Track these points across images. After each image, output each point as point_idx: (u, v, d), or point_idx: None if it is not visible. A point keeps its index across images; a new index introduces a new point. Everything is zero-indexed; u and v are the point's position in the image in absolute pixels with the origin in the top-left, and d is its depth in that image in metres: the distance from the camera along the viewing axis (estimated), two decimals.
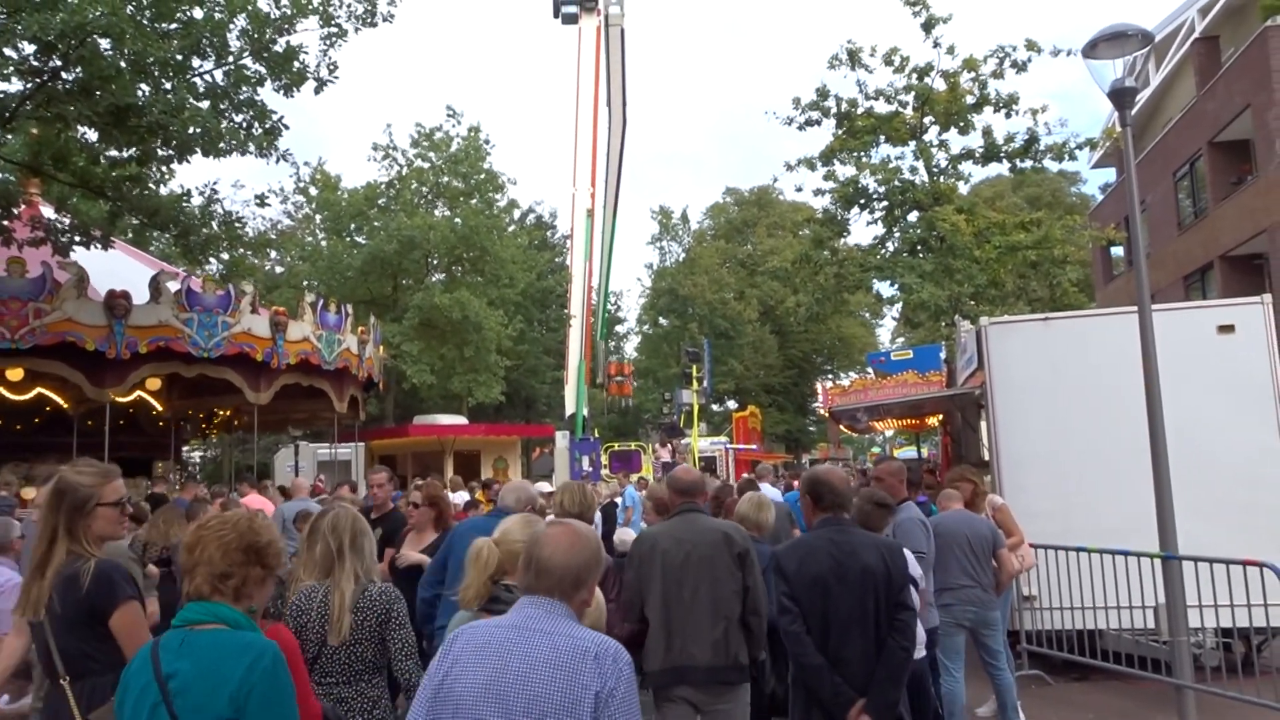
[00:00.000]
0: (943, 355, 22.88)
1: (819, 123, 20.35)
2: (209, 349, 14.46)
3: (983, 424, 11.73)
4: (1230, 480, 8.55)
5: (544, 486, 11.86)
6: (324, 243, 34.07)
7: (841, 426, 25.16)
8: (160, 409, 19.10)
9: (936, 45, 19.03)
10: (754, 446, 42.90)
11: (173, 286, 14.39)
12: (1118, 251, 33.27)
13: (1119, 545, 7.71)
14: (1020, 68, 18.84)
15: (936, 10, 18.88)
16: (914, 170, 20.04)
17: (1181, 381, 8.19)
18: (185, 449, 23.19)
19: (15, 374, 14.17)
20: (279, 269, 36.17)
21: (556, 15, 40.96)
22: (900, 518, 6.07)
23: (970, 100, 19.15)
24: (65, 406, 16.42)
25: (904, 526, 6.10)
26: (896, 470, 6.64)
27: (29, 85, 10.53)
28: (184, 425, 21.17)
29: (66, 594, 3.17)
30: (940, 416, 16.88)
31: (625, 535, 9.58)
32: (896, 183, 19.73)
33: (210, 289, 14.63)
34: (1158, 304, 7.94)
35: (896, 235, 20.24)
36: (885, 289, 21.57)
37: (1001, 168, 20.56)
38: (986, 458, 10.78)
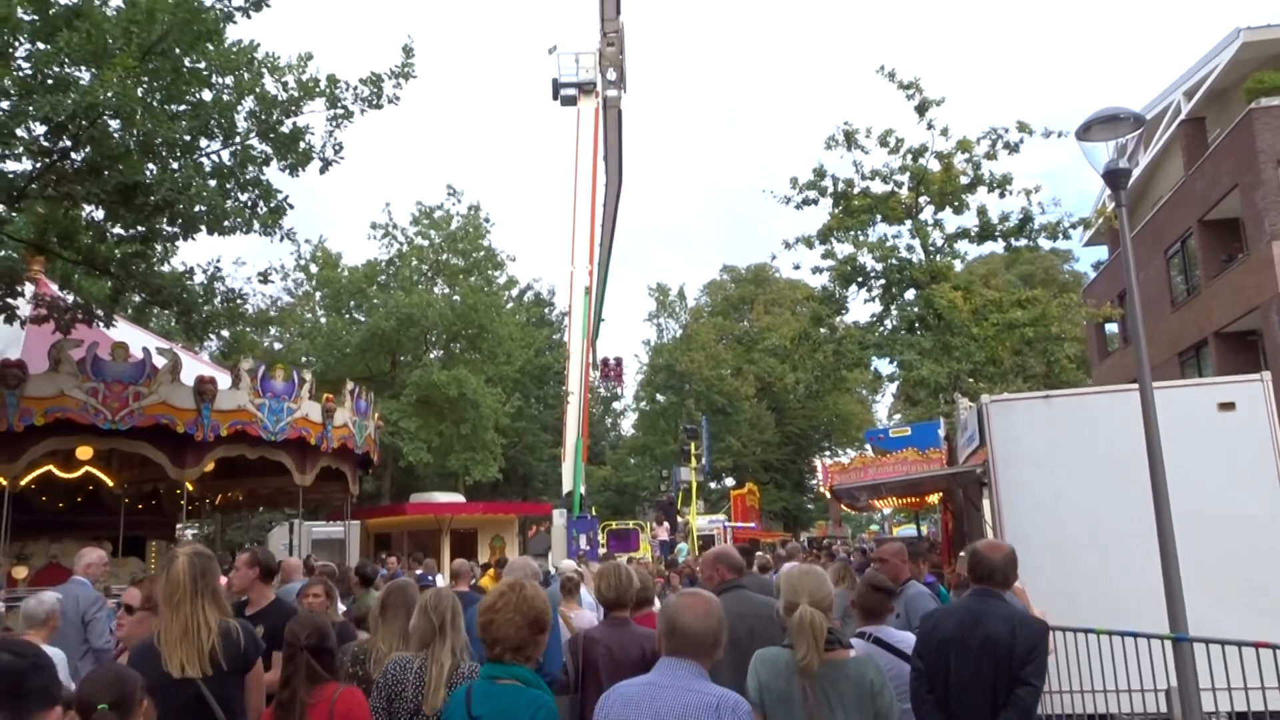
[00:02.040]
0: (942, 432, 22.84)
1: (816, 202, 20.66)
2: (276, 433, 15.00)
3: (986, 502, 11.66)
4: (1238, 558, 8.47)
5: (568, 564, 11.77)
6: (323, 319, 34.22)
7: (842, 504, 24.98)
8: (113, 484, 18.66)
9: (930, 127, 19.44)
10: (752, 524, 42.55)
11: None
12: (1112, 328, 33.48)
13: (1127, 626, 7.58)
14: (1012, 149, 19.21)
15: (930, 94, 19.34)
16: (910, 249, 20.30)
17: (1185, 459, 8.16)
18: (180, 526, 22.94)
19: (85, 452, 14.47)
20: (278, 345, 36.27)
21: (555, 97, 41.87)
22: (909, 593, 5.99)
23: (964, 180, 19.48)
24: (111, 486, 16.67)
25: (915, 601, 6.01)
26: (898, 551, 6.57)
27: (38, 165, 10.67)
28: (154, 502, 20.67)
29: (226, 648, 3.83)
30: (941, 495, 16.78)
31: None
32: (894, 261, 19.95)
33: (277, 375, 15.43)
34: (1156, 381, 7.96)
35: (894, 313, 20.39)
36: (884, 366, 21.64)
37: (996, 246, 20.82)
38: (989, 535, 10.68)
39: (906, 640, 4.65)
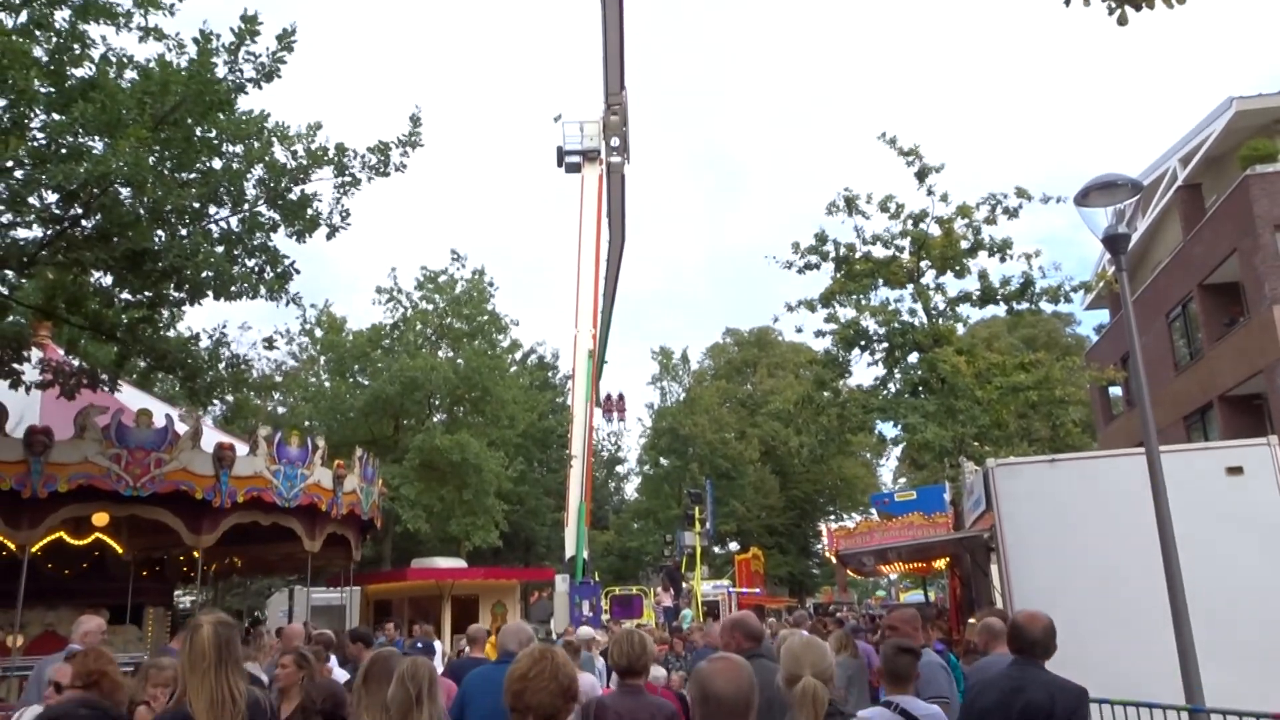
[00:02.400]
0: (947, 496, 22.71)
1: (818, 266, 20.81)
2: (290, 499, 15.10)
3: (994, 567, 11.54)
4: (1250, 625, 8.35)
5: (587, 631, 11.65)
6: (327, 383, 34.25)
7: (848, 570, 24.71)
8: (122, 550, 18.56)
9: (930, 193, 19.66)
10: (757, 590, 42.07)
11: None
12: (1116, 391, 33.46)
13: (1141, 696, 7.43)
14: (1011, 214, 19.40)
15: (929, 160, 19.62)
16: (913, 312, 20.38)
17: (1194, 524, 8.09)
18: (178, 593, 22.70)
19: (101, 519, 14.43)
20: (280, 409, 36.24)
21: (560, 165, 42.58)
22: (919, 661, 5.88)
23: (965, 245, 19.64)
24: (120, 553, 16.72)
25: (925, 671, 5.90)
26: (911, 618, 6.48)
27: (49, 232, 10.79)
28: (158, 569, 20.54)
29: (255, 715, 3.97)
30: (948, 560, 16.61)
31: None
32: (896, 324, 20.02)
33: (292, 441, 15.56)
34: (1162, 445, 7.93)
35: (898, 376, 20.39)
36: (888, 429, 21.56)
37: (998, 309, 20.90)
38: (998, 602, 10.55)
39: (934, 714, 4.56)
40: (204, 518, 14.41)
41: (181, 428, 14.08)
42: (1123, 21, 6.04)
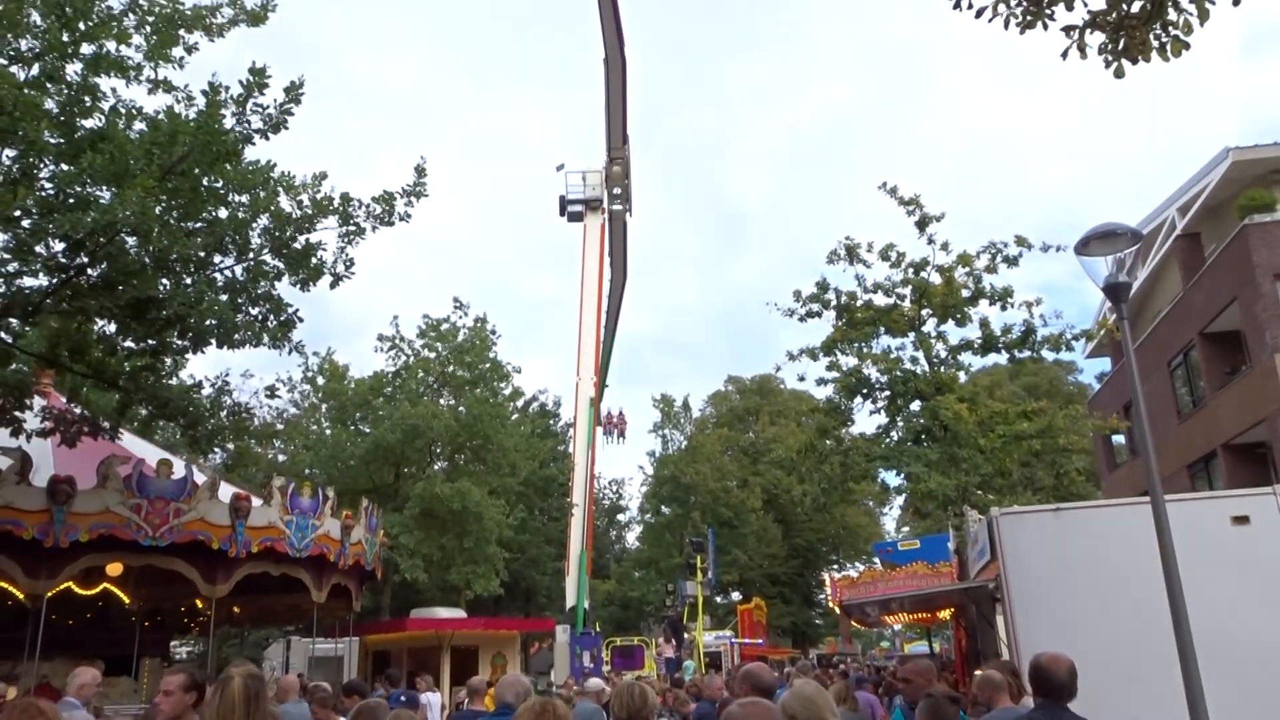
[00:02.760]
0: (951, 545, 22.51)
1: (819, 314, 20.88)
2: (301, 549, 15.26)
3: (999, 618, 11.41)
4: (1258, 675, 8.23)
5: (596, 683, 11.51)
6: (328, 431, 34.19)
7: (852, 620, 24.45)
8: (129, 601, 18.47)
9: (931, 242, 19.80)
10: (759, 641, 41.59)
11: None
12: (1119, 439, 33.35)
13: None
14: (1012, 262, 19.51)
15: (930, 209, 19.78)
16: (914, 361, 20.40)
17: (1199, 573, 8.01)
18: (173, 644, 22.46)
19: (115, 569, 14.56)
20: (281, 457, 36.16)
21: (563, 214, 42.93)
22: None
23: (966, 294, 19.71)
24: (126, 604, 16.76)
25: None
26: (925, 670, 6.41)
27: (54, 280, 10.85)
28: (159, 619, 20.43)
29: None
30: (953, 610, 16.44)
31: None
32: (898, 373, 20.02)
33: (304, 492, 15.80)
34: (1166, 493, 7.88)
35: (900, 424, 20.35)
36: (891, 478, 21.47)
37: (1000, 358, 20.92)
38: (1004, 653, 10.42)
39: None
40: (219, 568, 14.52)
41: (201, 478, 14.22)
42: (1119, 74, 6.13)
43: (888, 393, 20.46)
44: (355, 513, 18.07)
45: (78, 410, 12.86)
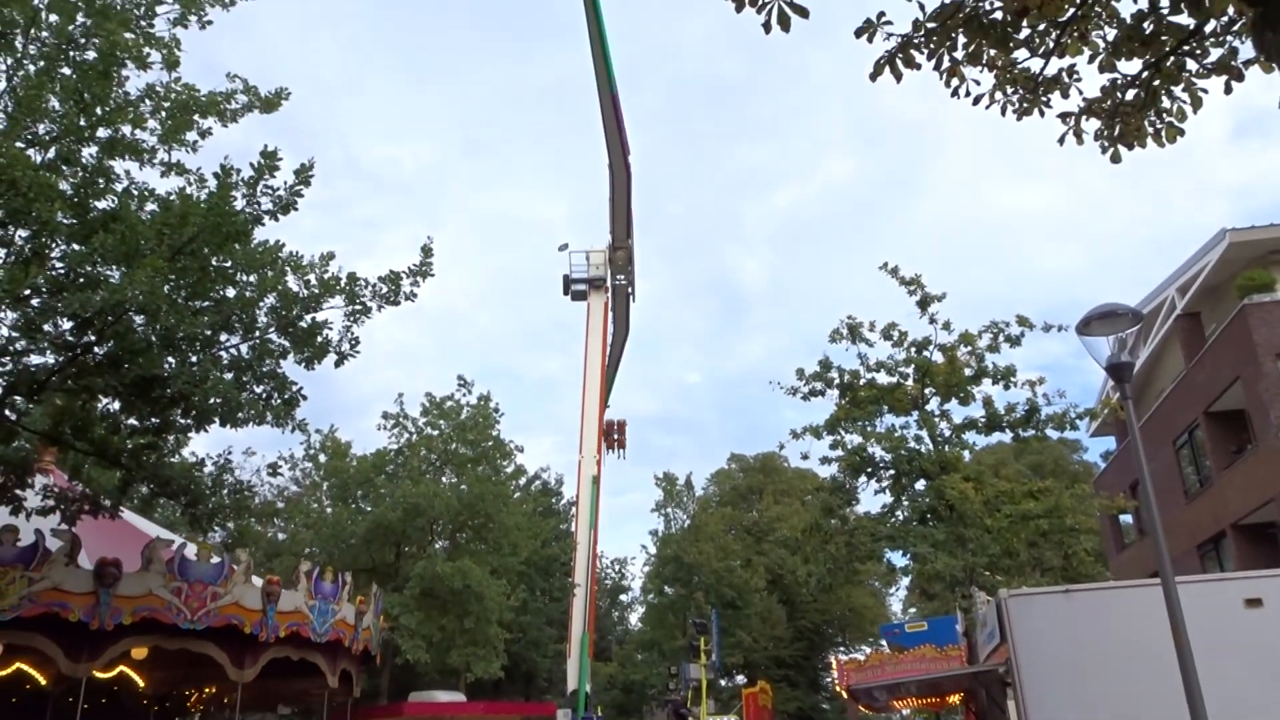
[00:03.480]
0: (960, 628, 22.15)
1: (823, 393, 20.85)
2: (321, 634, 15.29)
3: (1010, 702, 11.18)
4: None
5: None
6: (329, 510, 33.97)
7: (859, 705, 23.92)
8: (143, 685, 18.29)
9: (933, 321, 19.89)
10: None
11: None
12: (1127, 519, 33.03)
13: None
14: (1014, 342, 19.56)
15: (931, 289, 19.93)
16: (919, 439, 20.32)
17: (1213, 657, 7.88)
18: None
19: (140, 652, 14.50)
20: (281, 535, 35.86)
21: (566, 293, 43.31)
22: None
23: (969, 372, 19.73)
24: (141, 687, 16.90)
25: None
26: None
27: (60, 358, 10.90)
28: (166, 704, 20.15)
29: None
30: (963, 695, 16.10)
31: None
32: (903, 451, 19.93)
33: (326, 576, 15.72)
34: (1177, 575, 7.78)
35: (905, 504, 20.17)
36: (897, 558, 21.20)
37: (1004, 436, 20.83)
38: None
39: None
40: (248, 652, 14.56)
41: (237, 562, 14.39)
42: (1116, 159, 6.24)
43: (892, 471, 20.32)
44: (366, 597, 18.16)
45: (79, 488, 12.82)
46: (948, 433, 20.45)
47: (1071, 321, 20.20)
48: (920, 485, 20.11)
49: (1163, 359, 29.42)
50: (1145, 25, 5.62)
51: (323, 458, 35.20)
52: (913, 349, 20.30)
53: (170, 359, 11.27)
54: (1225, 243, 23.38)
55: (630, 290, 43.22)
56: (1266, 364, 20.83)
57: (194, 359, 11.53)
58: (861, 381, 20.71)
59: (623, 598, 61.06)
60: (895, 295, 21.15)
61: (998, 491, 19.27)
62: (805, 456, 21.48)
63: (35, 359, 11.05)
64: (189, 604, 13.38)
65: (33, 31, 10.74)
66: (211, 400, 11.30)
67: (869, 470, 20.55)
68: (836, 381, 20.79)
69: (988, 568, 18.49)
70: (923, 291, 19.90)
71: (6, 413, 11.36)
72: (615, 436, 48.24)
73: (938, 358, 19.99)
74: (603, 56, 37.44)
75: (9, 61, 10.70)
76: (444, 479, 33.57)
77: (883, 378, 20.67)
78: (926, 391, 20.34)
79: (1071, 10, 5.55)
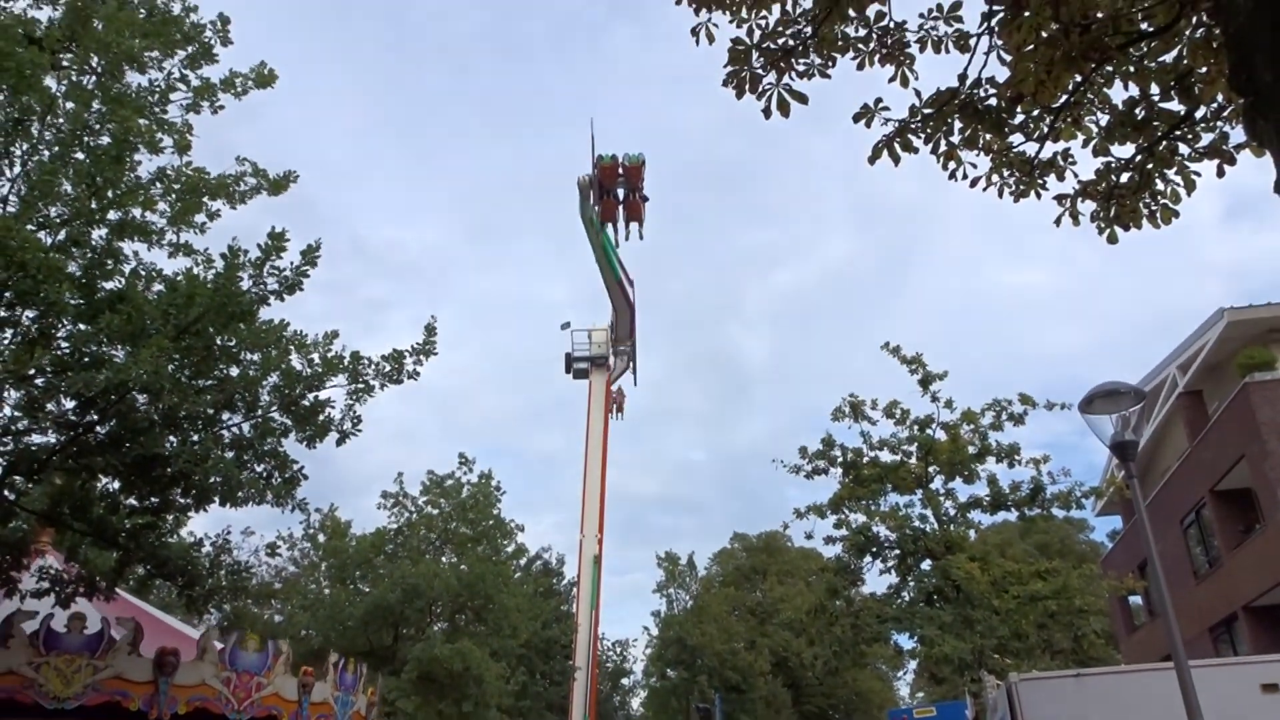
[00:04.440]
0: (969, 713, 21.64)
1: (826, 471, 20.80)
2: None
3: None
4: None
5: None
6: (327, 590, 33.50)
7: None
8: None
9: (935, 399, 19.93)
10: None
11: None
12: (1136, 600, 32.54)
13: None
14: (1017, 420, 19.56)
15: (933, 368, 20.01)
16: (923, 518, 20.19)
17: None
18: None
19: None
20: (278, 618, 35.32)
21: (568, 371, 43.40)
22: None
23: (972, 450, 19.69)
24: None
25: None
26: None
27: (62, 438, 10.89)
28: None
29: None
30: None
31: None
32: (908, 530, 19.79)
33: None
34: (1190, 659, 7.64)
35: (911, 584, 19.95)
36: (904, 640, 20.86)
37: (1009, 515, 20.70)
38: None
39: None
40: None
41: (279, 653, 14.33)
42: (1112, 240, 6.32)
43: (897, 551, 20.15)
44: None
45: (74, 569, 12.68)
46: (952, 512, 20.34)
47: (1073, 399, 20.32)
48: (926, 565, 19.93)
49: (1166, 437, 29.32)
50: (1137, 111, 5.75)
51: (321, 537, 34.86)
52: (915, 427, 20.31)
53: (172, 438, 11.26)
54: (1224, 321, 23.50)
55: (634, 379, 43.68)
56: (1271, 442, 20.75)
57: (195, 438, 11.52)
58: (865, 460, 20.67)
59: (624, 681, 59.76)
60: (897, 373, 21.26)
61: (1004, 572, 19.06)
62: (809, 536, 21.34)
63: (36, 438, 11.05)
64: (236, 694, 13.40)
65: (49, 118, 10.98)
66: (212, 479, 11.26)
67: (874, 550, 20.39)
68: (840, 460, 20.76)
69: (996, 650, 18.18)
70: (924, 370, 20.00)
71: (5, 493, 11.30)
72: (615, 401, 48.08)
73: (941, 436, 19.98)
74: (609, 264, 38.13)
75: (24, 147, 10.91)
76: (444, 559, 33.21)
77: (886, 456, 20.64)
78: (930, 470, 20.27)
79: (1065, 97, 5.68)
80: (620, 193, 37.33)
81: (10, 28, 10.82)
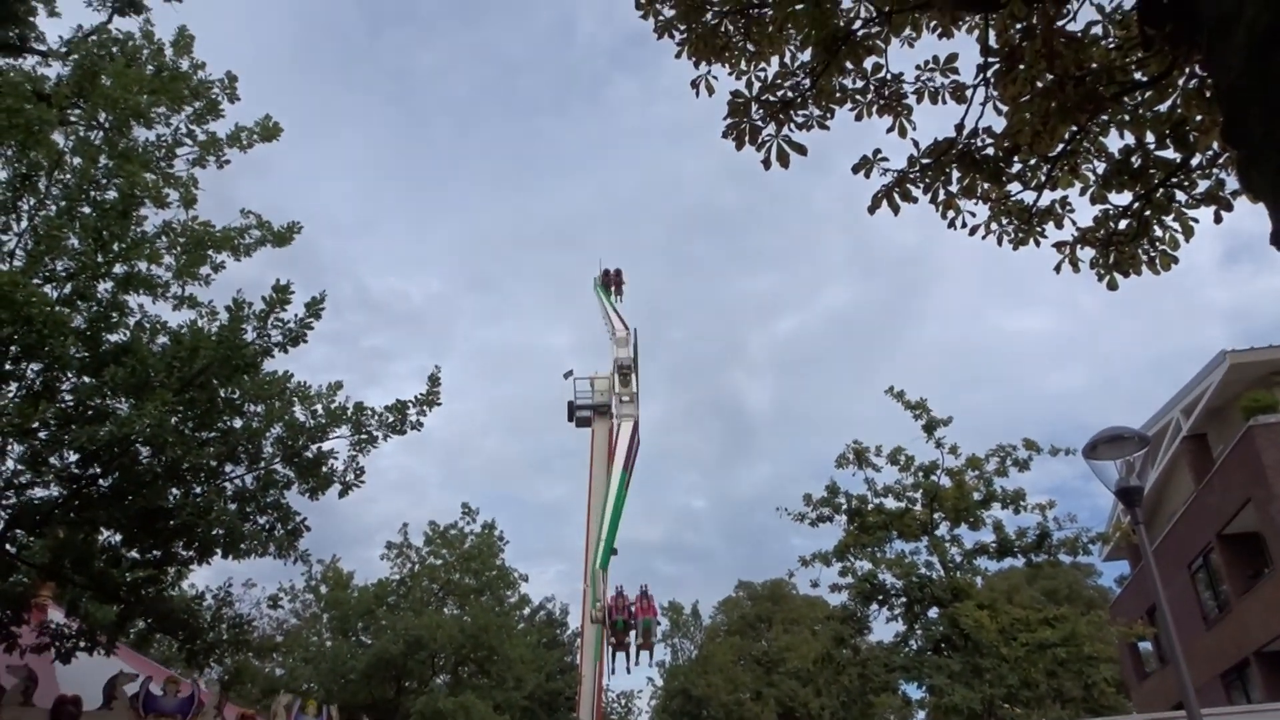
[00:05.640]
0: None
1: (830, 519, 20.67)
2: None
3: None
4: None
5: None
6: (329, 643, 33.19)
7: None
8: None
9: (939, 445, 19.85)
10: None
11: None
12: (1146, 646, 32.13)
13: None
14: (1022, 466, 19.48)
15: (937, 413, 19.97)
16: (929, 565, 20.02)
17: None
18: None
19: None
20: (279, 671, 34.93)
21: (571, 419, 43.28)
22: None
23: (977, 496, 19.58)
24: None
25: None
26: None
27: (65, 492, 10.87)
28: None
29: None
30: None
31: None
32: (914, 578, 19.61)
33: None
34: (1203, 707, 7.53)
35: (919, 632, 19.72)
36: (913, 690, 20.58)
37: (1016, 561, 20.51)
38: None
39: None
40: None
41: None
42: (1113, 286, 6.34)
43: (904, 599, 19.94)
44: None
45: (75, 624, 12.57)
46: (959, 558, 20.17)
47: (1077, 443, 20.27)
48: (933, 613, 19.71)
49: (1171, 480, 29.16)
50: (1133, 159, 5.80)
51: (324, 589, 34.64)
52: (920, 473, 20.22)
53: (175, 490, 11.24)
54: (1226, 364, 23.49)
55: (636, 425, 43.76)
56: (1277, 486, 20.63)
57: (199, 490, 11.51)
58: (869, 507, 20.55)
59: None
60: (901, 418, 21.21)
61: (1013, 619, 18.84)
62: (815, 584, 21.14)
63: (39, 492, 11.03)
64: None
65: (56, 173, 11.11)
66: (215, 531, 11.23)
67: (880, 598, 20.19)
68: (844, 507, 20.64)
69: (1006, 699, 17.91)
70: (928, 415, 19.96)
71: (7, 547, 11.26)
72: (613, 280, 48.08)
73: (946, 482, 19.89)
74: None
75: (31, 202, 11.03)
76: (447, 610, 32.94)
77: (891, 503, 20.53)
78: (935, 516, 20.15)
79: (1061, 146, 5.74)
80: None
81: (19, 85, 11.00)
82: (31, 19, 15.74)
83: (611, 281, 47.35)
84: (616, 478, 32.38)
